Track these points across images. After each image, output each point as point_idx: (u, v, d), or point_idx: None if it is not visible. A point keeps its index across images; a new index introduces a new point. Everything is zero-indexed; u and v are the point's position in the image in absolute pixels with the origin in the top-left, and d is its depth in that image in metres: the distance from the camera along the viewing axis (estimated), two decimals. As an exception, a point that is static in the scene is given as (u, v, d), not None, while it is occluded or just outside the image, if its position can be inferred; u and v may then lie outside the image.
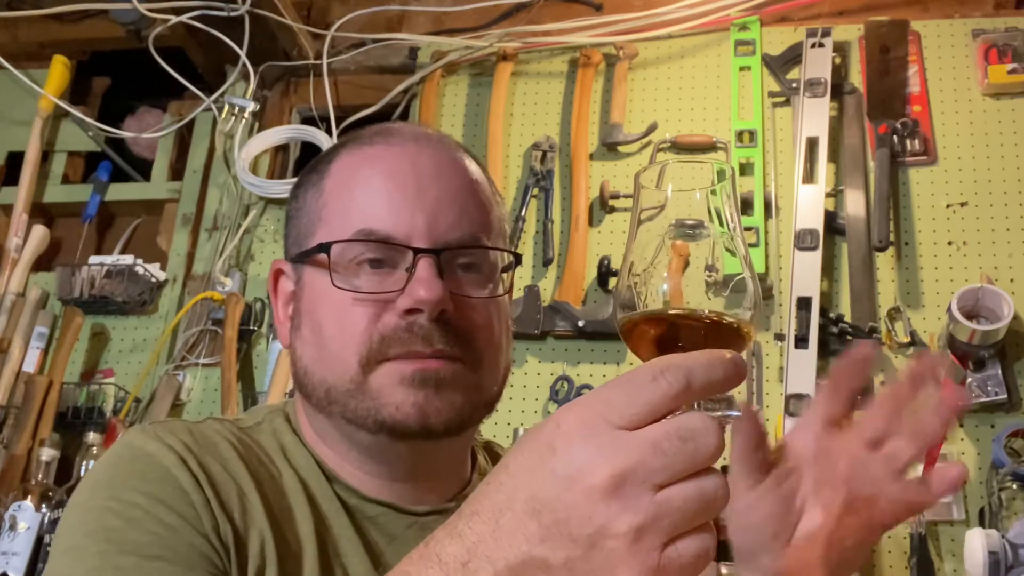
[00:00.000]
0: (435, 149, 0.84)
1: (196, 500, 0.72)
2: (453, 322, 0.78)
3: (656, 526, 0.49)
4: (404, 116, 2.34)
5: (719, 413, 0.54)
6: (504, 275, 0.85)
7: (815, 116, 2.07)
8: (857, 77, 2.15)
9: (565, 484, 0.50)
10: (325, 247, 0.80)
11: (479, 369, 0.80)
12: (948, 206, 2.02)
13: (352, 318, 0.78)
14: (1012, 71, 2.05)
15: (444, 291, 0.77)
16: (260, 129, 2.37)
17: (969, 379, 1.81)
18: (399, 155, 0.83)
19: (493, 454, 0.96)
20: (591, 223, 2.12)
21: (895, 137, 2.05)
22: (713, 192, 0.60)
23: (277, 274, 0.88)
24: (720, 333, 0.58)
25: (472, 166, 0.86)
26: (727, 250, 0.58)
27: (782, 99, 2.16)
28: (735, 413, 0.55)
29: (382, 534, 0.82)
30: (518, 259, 0.86)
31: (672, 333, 0.59)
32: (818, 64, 2.12)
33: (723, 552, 1.82)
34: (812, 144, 2.05)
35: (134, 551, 0.69)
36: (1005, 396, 1.81)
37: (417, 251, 0.78)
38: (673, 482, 0.50)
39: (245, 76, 2.34)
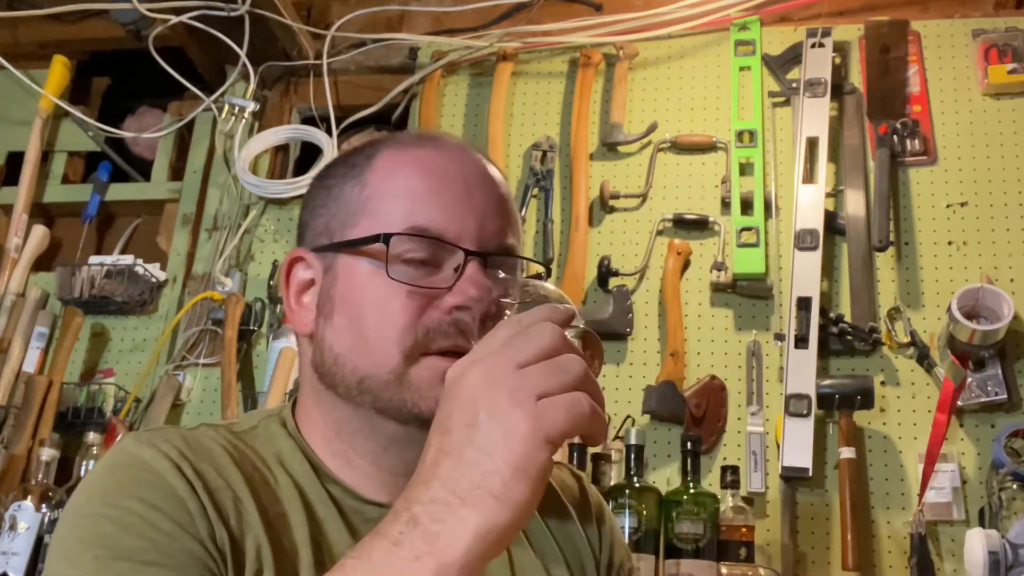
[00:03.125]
0: (478, 158, 0.87)
1: (191, 506, 0.72)
2: (490, 323, 0.79)
3: (527, 388, 0.61)
4: (404, 116, 2.34)
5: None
6: None
7: (815, 116, 2.07)
8: (857, 77, 2.15)
9: (451, 394, 0.64)
10: (385, 238, 0.80)
11: None
12: (948, 206, 2.02)
13: (396, 310, 0.79)
14: (1012, 71, 2.06)
15: (492, 291, 0.80)
16: (260, 129, 2.37)
17: (969, 379, 1.81)
18: (449, 158, 0.85)
19: None
20: (591, 223, 2.12)
21: (895, 137, 2.05)
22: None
23: (293, 262, 0.88)
24: None
25: (503, 178, 0.89)
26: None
27: (782, 99, 2.16)
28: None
29: None
30: (549, 270, 0.90)
31: None
32: (818, 64, 2.12)
33: (723, 552, 1.81)
34: (812, 144, 2.05)
35: (129, 557, 0.69)
36: (1005, 396, 1.81)
37: (469, 252, 0.80)
38: (531, 363, 0.62)
39: (245, 76, 2.34)
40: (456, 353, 0.77)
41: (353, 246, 0.82)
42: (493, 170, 0.87)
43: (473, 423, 0.61)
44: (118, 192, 2.43)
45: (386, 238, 0.80)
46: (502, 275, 0.82)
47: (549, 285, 0.74)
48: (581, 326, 0.69)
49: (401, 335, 0.79)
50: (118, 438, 1.97)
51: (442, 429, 0.63)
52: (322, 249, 0.85)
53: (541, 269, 0.92)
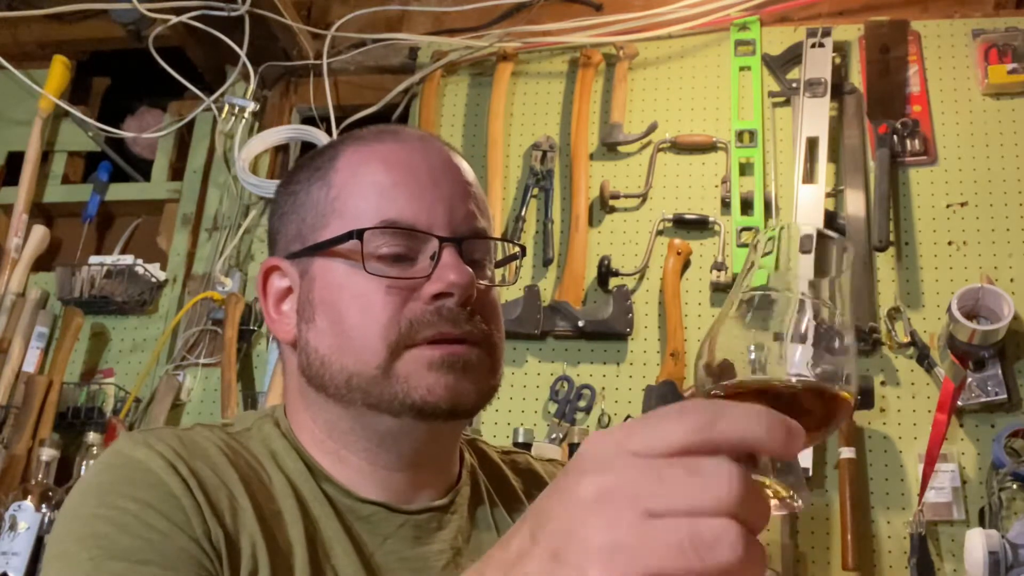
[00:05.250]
0: (440, 147, 0.88)
1: (187, 505, 0.72)
2: (474, 308, 0.81)
3: (633, 552, 0.44)
4: (404, 116, 2.34)
5: (770, 480, 0.48)
6: (498, 268, 0.90)
7: (815, 116, 2.07)
8: (857, 77, 2.15)
9: (559, 496, 0.48)
10: (358, 234, 0.80)
11: (493, 354, 0.83)
12: (948, 206, 2.02)
13: (378, 305, 0.80)
14: (1012, 71, 2.05)
15: (472, 276, 0.80)
16: (260, 129, 2.37)
17: (969, 379, 1.81)
18: (411, 150, 0.85)
19: (478, 450, 0.98)
20: (591, 223, 2.12)
21: (895, 137, 2.05)
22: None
23: (268, 272, 0.88)
24: (811, 405, 0.52)
25: (467, 165, 0.90)
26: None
27: (782, 99, 2.16)
28: (798, 503, 0.48)
29: (374, 534, 0.82)
30: (523, 250, 0.91)
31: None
32: (818, 64, 2.11)
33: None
34: (812, 144, 2.05)
35: (125, 556, 0.69)
36: (1005, 396, 1.81)
37: (442, 239, 0.81)
38: (669, 515, 0.44)
39: (245, 76, 2.34)
40: (442, 340, 0.79)
41: (327, 247, 0.83)
42: (456, 157, 0.88)
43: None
44: (118, 192, 2.43)
45: (359, 234, 0.80)
46: (476, 258, 0.83)
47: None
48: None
49: (385, 329, 0.79)
50: (117, 437, 1.97)
51: (550, 531, 0.48)
52: (296, 255, 0.86)
53: (516, 250, 0.93)
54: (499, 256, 0.92)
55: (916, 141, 2.06)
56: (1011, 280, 1.93)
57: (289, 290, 0.87)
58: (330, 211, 0.84)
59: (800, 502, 0.48)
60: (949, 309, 1.81)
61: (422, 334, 0.79)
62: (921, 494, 1.75)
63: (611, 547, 0.44)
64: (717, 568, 0.43)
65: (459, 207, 0.84)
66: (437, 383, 0.79)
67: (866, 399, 1.81)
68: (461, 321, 0.80)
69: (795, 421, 0.46)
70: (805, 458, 1.81)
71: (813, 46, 2.14)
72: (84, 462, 1.98)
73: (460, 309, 0.80)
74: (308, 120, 2.41)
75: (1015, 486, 1.69)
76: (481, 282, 0.83)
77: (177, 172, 2.43)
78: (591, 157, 2.18)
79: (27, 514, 1.88)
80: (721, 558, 0.43)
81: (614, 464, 0.46)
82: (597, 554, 0.44)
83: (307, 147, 2.39)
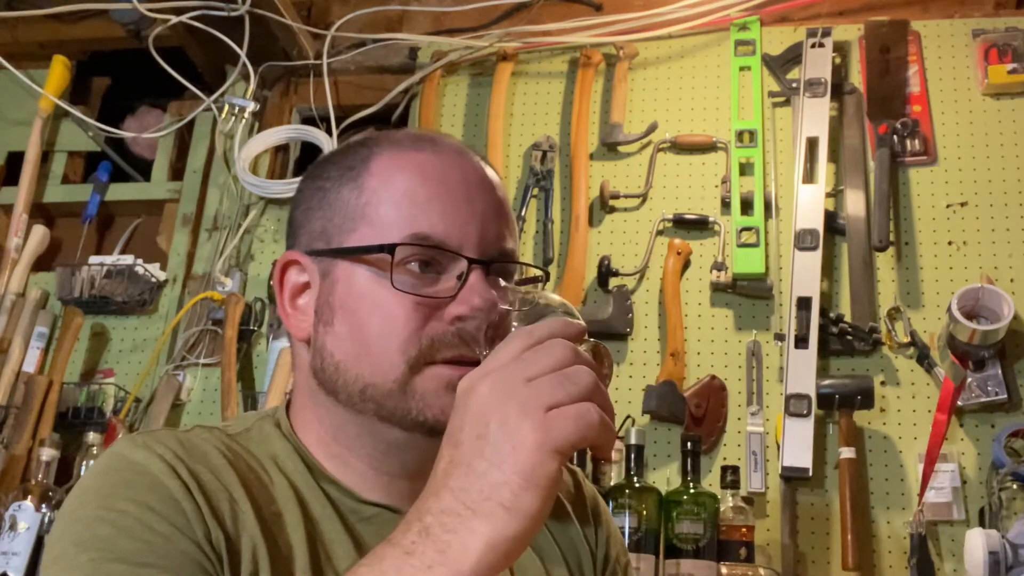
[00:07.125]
0: (476, 162, 0.87)
1: (187, 508, 0.72)
2: (495, 333, 0.80)
3: (537, 400, 0.62)
4: (404, 116, 2.34)
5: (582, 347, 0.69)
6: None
7: (815, 116, 2.07)
8: (857, 77, 2.15)
9: (462, 406, 0.65)
10: (389, 249, 0.80)
11: None
12: (948, 206, 2.02)
13: (400, 319, 0.79)
14: (1012, 71, 2.06)
15: (496, 301, 0.80)
16: (260, 129, 2.37)
17: (969, 379, 1.81)
18: (448, 163, 0.84)
19: None
20: (591, 223, 2.12)
21: (895, 137, 2.05)
22: None
23: (287, 265, 0.87)
24: None
25: (500, 181, 0.89)
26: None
27: (782, 99, 2.16)
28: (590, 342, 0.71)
29: (376, 535, 0.81)
30: (547, 276, 0.91)
31: None
32: (818, 64, 2.12)
33: (723, 552, 1.81)
34: (812, 144, 2.05)
35: (125, 559, 0.69)
36: (1005, 396, 1.81)
37: (472, 261, 0.81)
38: (541, 374, 0.63)
39: (245, 76, 2.34)
40: (460, 362, 0.79)
41: (354, 254, 0.82)
42: (491, 173, 0.87)
43: (483, 435, 0.62)
44: (118, 192, 2.43)
45: (390, 248, 0.79)
46: (502, 283, 0.82)
47: (554, 296, 0.76)
48: (591, 340, 0.71)
49: (406, 345, 0.78)
50: (117, 439, 1.97)
51: (453, 441, 0.64)
52: (319, 253, 0.85)
53: (540, 273, 0.92)
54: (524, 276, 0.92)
55: (916, 141, 2.06)
56: (1011, 280, 1.93)
57: (307, 286, 0.85)
58: (360, 216, 0.83)
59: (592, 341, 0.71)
60: (949, 309, 1.81)
61: (441, 354, 0.79)
62: (921, 494, 1.75)
63: (521, 405, 0.62)
64: (586, 387, 0.63)
65: (491, 227, 0.83)
66: (451, 404, 0.78)
67: (866, 399, 1.82)
68: (481, 345, 0.80)
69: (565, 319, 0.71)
70: (805, 459, 1.81)
71: (813, 46, 2.14)
72: (84, 462, 1.98)
73: (481, 333, 0.79)
74: (308, 120, 2.42)
75: (1015, 486, 1.69)
76: (503, 306, 0.82)
77: (177, 172, 2.43)
78: (591, 157, 2.18)
79: (27, 514, 1.88)
80: (584, 381, 0.63)
81: (489, 367, 0.65)
82: (515, 418, 0.62)
83: (307, 147, 2.39)
